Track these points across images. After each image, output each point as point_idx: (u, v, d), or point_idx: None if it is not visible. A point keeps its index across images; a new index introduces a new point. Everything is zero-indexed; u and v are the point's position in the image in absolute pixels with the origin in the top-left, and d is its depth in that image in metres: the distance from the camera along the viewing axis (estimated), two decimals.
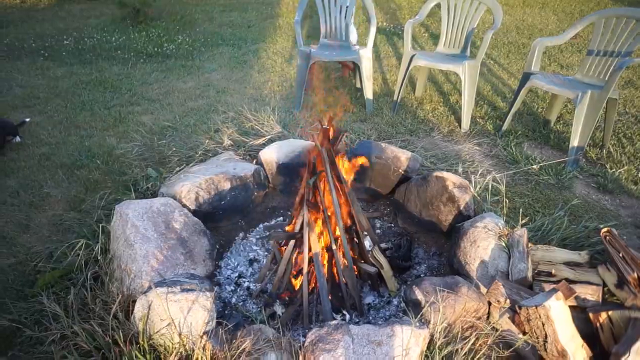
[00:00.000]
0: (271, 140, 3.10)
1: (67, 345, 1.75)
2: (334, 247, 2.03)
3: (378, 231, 2.61)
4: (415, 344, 1.66)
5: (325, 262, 2.07)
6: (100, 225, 2.24)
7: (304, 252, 1.99)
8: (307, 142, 2.88)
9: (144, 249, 2.01)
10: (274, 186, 2.82)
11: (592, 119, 3.05)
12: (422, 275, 2.27)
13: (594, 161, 3.32)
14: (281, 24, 6.98)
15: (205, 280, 1.94)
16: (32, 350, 1.81)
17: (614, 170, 3.14)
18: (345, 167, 2.12)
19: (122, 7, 6.71)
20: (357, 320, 2.02)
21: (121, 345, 1.65)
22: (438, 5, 3.90)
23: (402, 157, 2.66)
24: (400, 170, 2.64)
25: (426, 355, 1.71)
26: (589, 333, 1.75)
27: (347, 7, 4.10)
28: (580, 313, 1.81)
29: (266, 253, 2.42)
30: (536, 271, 1.99)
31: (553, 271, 1.96)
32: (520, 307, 1.76)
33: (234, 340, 1.65)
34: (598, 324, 1.76)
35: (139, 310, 1.73)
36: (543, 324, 1.67)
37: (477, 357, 1.71)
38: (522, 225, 2.26)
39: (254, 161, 2.90)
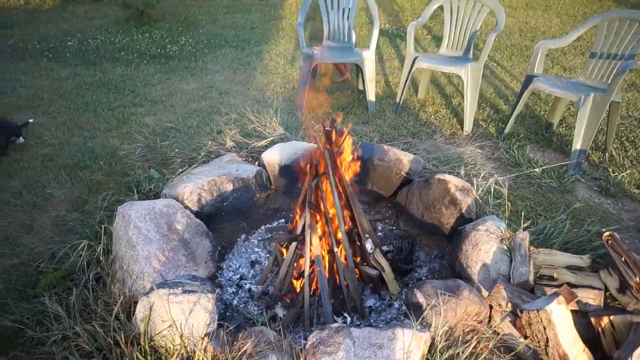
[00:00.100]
0: (274, 142, 3.11)
1: (68, 346, 1.76)
2: (335, 249, 2.03)
3: (380, 234, 2.61)
4: (416, 347, 1.66)
5: (326, 264, 2.07)
6: (103, 226, 2.25)
7: (305, 254, 2.00)
8: (309, 144, 2.88)
9: (146, 250, 2.02)
10: (276, 188, 2.82)
11: (594, 122, 3.05)
12: (423, 278, 2.27)
13: (596, 165, 3.31)
14: (284, 25, 7.00)
15: (206, 282, 1.95)
16: (33, 351, 1.82)
17: (617, 173, 3.13)
18: (348, 169, 2.13)
19: (125, 8, 6.75)
20: (358, 323, 2.02)
21: (122, 346, 1.66)
22: (441, 8, 3.90)
23: (404, 159, 2.66)
24: (403, 173, 2.64)
25: (427, 359, 1.71)
26: (590, 338, 1.75)
27: (349, 9, 4.11)
28: (582, 317, 1.81)
29: (268, 255, 2.42)
30: (538, 275, 1.99)
31: (555, 275, 1.96)
32: (521, 311, 1.75)
33: (235, 342, 1.65)
34: (600, 329, 1.75)
35: (140, 311, 1.73)
36: (544, 328, 1.67)
37: None
38: (524, 229, 2.25)
39: (257, 163, 2.90)
